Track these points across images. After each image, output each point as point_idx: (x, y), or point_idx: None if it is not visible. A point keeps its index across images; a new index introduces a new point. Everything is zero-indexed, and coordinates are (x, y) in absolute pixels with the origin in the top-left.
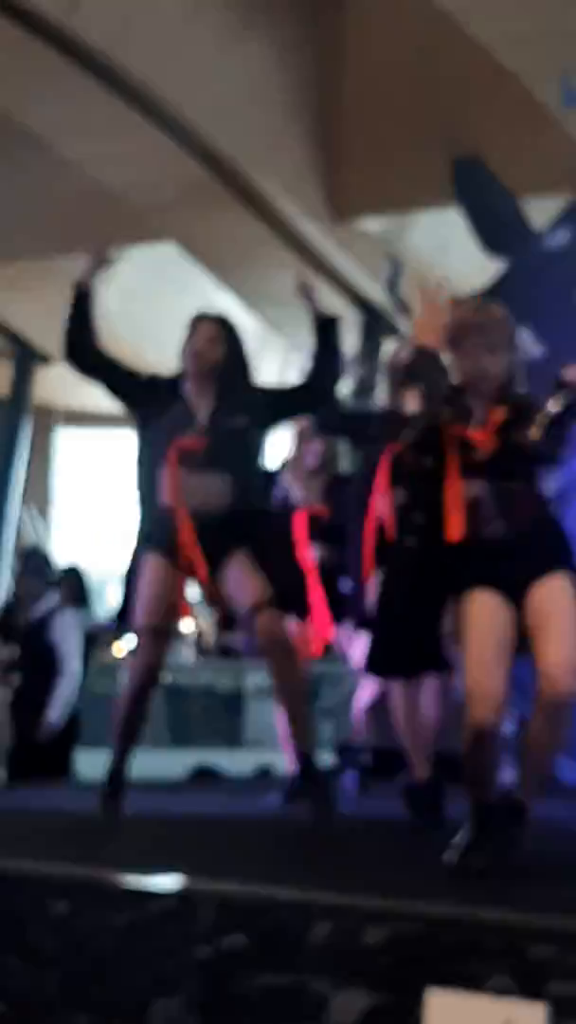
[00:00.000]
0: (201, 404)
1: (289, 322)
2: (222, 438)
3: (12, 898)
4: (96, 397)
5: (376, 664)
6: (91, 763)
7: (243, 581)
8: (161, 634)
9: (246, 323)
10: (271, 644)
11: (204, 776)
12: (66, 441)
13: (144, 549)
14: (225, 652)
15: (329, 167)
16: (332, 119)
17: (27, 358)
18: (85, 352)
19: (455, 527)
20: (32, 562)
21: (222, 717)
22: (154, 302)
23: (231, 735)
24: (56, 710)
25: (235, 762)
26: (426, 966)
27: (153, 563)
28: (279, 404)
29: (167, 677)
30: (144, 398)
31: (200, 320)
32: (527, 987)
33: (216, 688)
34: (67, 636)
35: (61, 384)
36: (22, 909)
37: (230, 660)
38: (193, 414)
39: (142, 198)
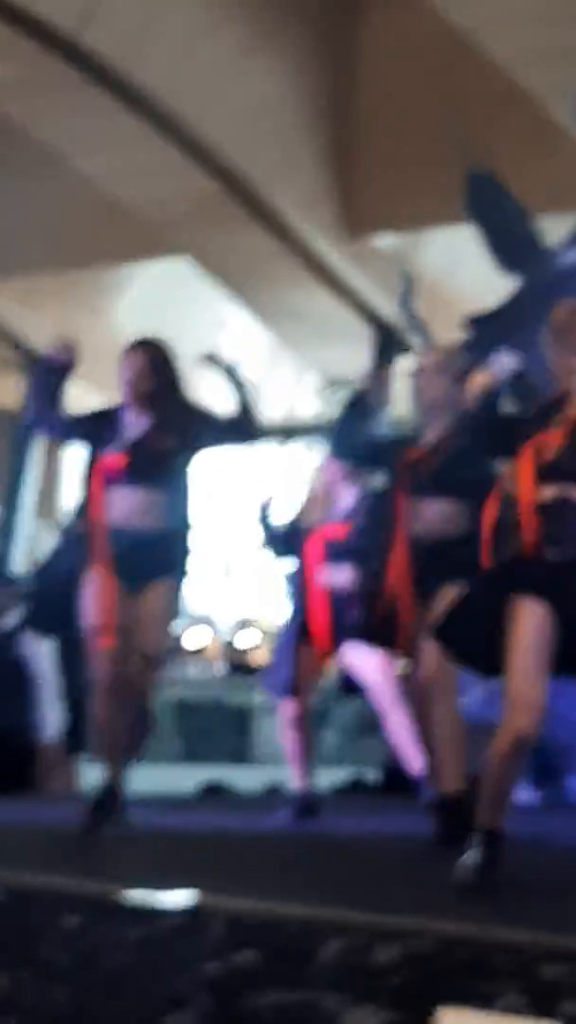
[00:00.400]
0: (136, 427)
1: (301, 337)
2: (147, 457)
3: (24, 913)
4: None
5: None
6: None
7: None
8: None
9: (259, 338)
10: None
11: (213, 792)
12: (77, 454)
13: (87, 562)
14: (235, 668)
15: (343, 183)
16: (346, 135)
17: None
18: (54, 424)
19: (528, 533)
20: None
21: (231, 733)
22: (168, 316)
23: (240, 751)
24: (48, 722)
25: (244, 778)
26: (437, 985)
27: (95, 575)
28: (209, 431)
29: (177, 692)
30: (94, 434)
31: (131, 349)
32: (539, 1007)
33: (225, 704)
34: (37, 648)
35: (74, 397)
36: (34, 924)
37: (239, 676)
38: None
39: (156, 213)
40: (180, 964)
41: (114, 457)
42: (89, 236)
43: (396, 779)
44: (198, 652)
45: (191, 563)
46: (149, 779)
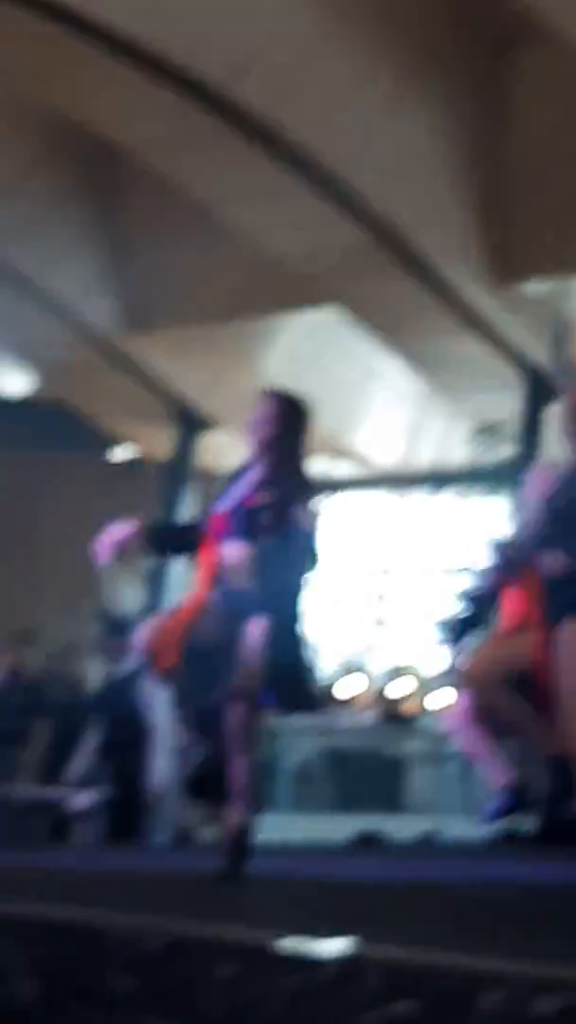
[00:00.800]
0: (248, 480)
1: (452, 384)
2: (245, 512)
3: (180, 961)
4: None
5: None
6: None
7: None
8: None
9: (410, 385)
10: None
11: (368, 841)
12: None
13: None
14: (388, 717)
15: (493, 230)
16: (495, 181)
17: (190, 423)
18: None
19: None
20: (111, 620)
21: (384, 782)
22: (318, 366)
23: (393, 800)
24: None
25: (398, 827)
26: None
27: None
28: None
29: (329, 740)
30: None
31: (261, 396)
32: None
33: (379, 753)
34: (153, 696)
35: (224, 448)
36: (190, 973)
37: (393, 724)
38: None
39: (306, 263)
40: (337, 1014)
41: (221, 514)
42: (239, 288)
43: (552, 829)
44: (351, 701)
45: (299, 612)
46: (302, 828)
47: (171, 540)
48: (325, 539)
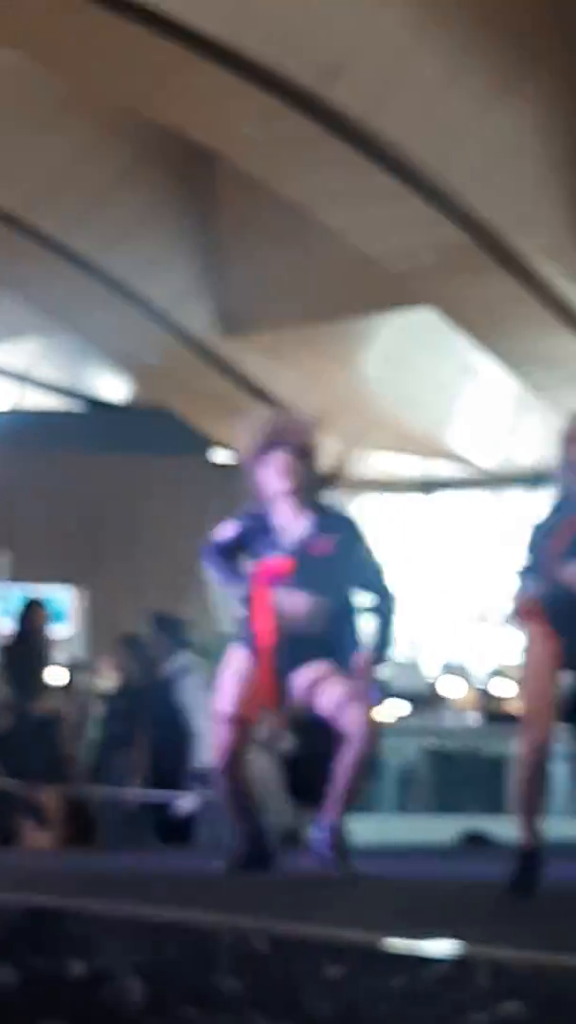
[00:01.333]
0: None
1: (550, 383)
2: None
3: (286, 962)
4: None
5: None
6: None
7: None
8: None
9: (507, 385)
10: None
11: (474, 841)
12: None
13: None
14: (491, 717)
15: None
16: None
17: None
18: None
19: None
20: (162, 621)
21: (487, 783)
22: (414, 365)
23: (495, 801)
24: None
25: (501, 828)
26: None
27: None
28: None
29: (432, 741)
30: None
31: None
32: None
33: (481, 753)
34: (197, 697)
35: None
36: (296, 973)
37: (495, 725)
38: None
39: (401, 264)
40: (444, 1015)
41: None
42: (335, 289)
43: None
44: (453, 701)
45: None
46: (405, 830)
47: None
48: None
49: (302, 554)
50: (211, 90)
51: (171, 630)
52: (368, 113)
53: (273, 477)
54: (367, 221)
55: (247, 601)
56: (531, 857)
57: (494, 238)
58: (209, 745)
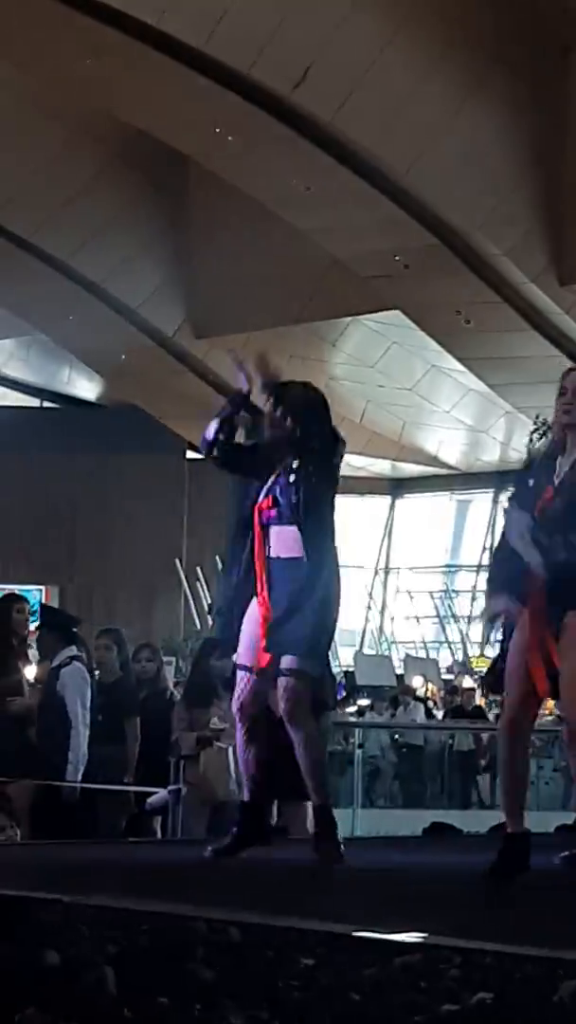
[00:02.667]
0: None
1: (515, 385)
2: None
3: (260, 951)
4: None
5: None
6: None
7: None
8: None
9: (473, 386)
10: None
11: (439, 831)
12: None
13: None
14: (458, 711)
15: (555, 230)
16: (559, 182)
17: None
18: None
19: None
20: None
21: (455, 778)
22: (382, 367)
23: (464, 795)
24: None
25: (468, 822)
26: None
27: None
28: None
29: (400, 736)
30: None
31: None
32: None
33: (448, 747)
34: (73, 690)
35: None
36: (269, 962)
37: (462, 719)
38: None
39: (369, 266)
40: (416, 1004)
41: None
42: (304, 291)
43: None
44: (420, 695)
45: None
46: (373, 823)
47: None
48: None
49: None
50: (182, 94)
51: (57, 623)
52: (336, 117)
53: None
54: (336, 224)
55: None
56: (514, 842)
57: (461, 241)
58: (83, 735)
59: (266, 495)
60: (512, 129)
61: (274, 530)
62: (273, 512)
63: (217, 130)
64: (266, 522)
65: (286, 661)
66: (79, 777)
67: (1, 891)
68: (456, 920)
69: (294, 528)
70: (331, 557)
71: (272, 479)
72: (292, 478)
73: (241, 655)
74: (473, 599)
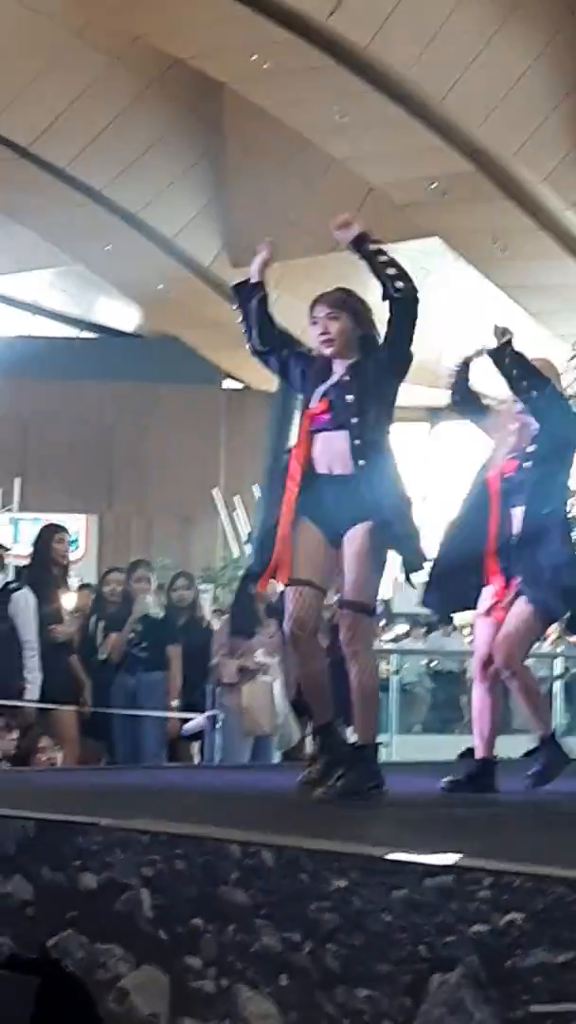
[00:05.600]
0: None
1: (552, 310)
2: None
3: (293, 874)
4: None
5: None
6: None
7: None
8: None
9: (511, 313)
10: None
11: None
12: None
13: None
14: None
15: None
16: None
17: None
18: (273, 337)
19: None
20: None
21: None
22: (420, 295)
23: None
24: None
25: (507, 747)
26: None
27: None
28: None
29: (436, 661)
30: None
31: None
32: None
33: None
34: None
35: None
36: (303, 885)
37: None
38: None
39: (405, 194)
40: (447, 925)
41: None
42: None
43: None
44: (457, 622)
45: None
46: (406, 748)
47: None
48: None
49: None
50: (217, 21)
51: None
52: (372, 43)
53: None
54: (371, 151)
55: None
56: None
57: (498, 167)
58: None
59: (321, 398)
60: (548, 53)
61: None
62: (326, 417)
63: (253, 57)
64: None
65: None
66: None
67: (39, 815)
68: (487, 843)
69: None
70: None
71: (325, 383)
72: (349, 377)
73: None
74: None
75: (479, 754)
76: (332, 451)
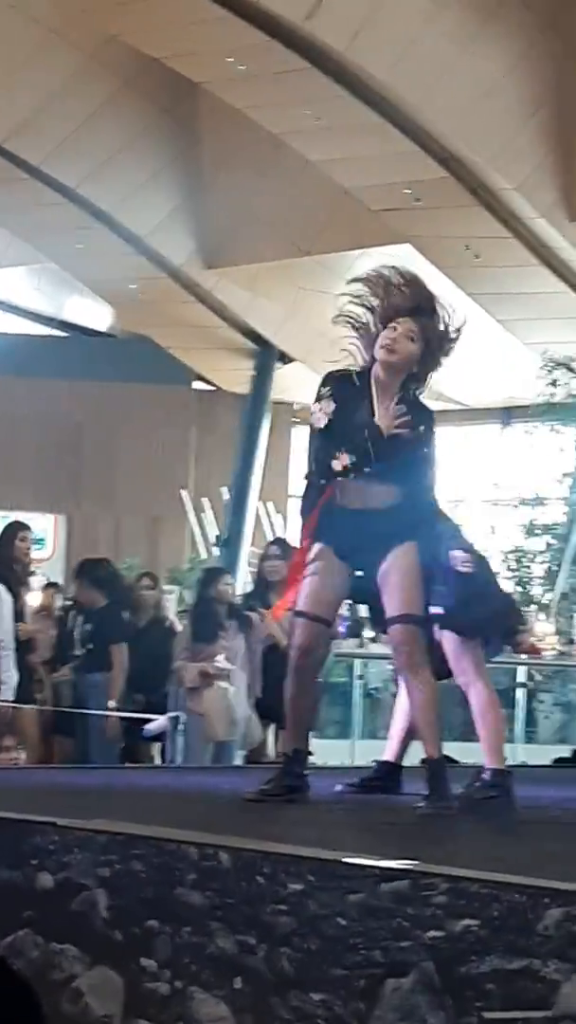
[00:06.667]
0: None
1: (523, 320)
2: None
3: (249, 877)
4: None
5: None
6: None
7: None
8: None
9: (482, 322)
10: None
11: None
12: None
13: None
14: None
15: (566, 165)
16: (570, 117)
17: (266, 356)
18: None
19: None
20: None
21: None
22: None
23: (464, 726)
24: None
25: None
26: None
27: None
28: None
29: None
30: None
31: None
32: None
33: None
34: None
35: (299, 381)
36: (259, 888)
37: None
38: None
39: (380, 199)
40: (401, 930)
41: None
42: (315, 223)
43: None
44: None
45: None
46: (370, 753)
47: None
48: None
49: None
50: (193, 22)
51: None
52: (349, 48)
53: None
54: (348, 156)
55: None
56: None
57: (471, 175)
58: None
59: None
60: (524, 62)
61: None
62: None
63: (229, 59)
64: None
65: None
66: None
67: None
68: (445, 849)
69: None
70: None
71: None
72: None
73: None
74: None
75: (386, 756)
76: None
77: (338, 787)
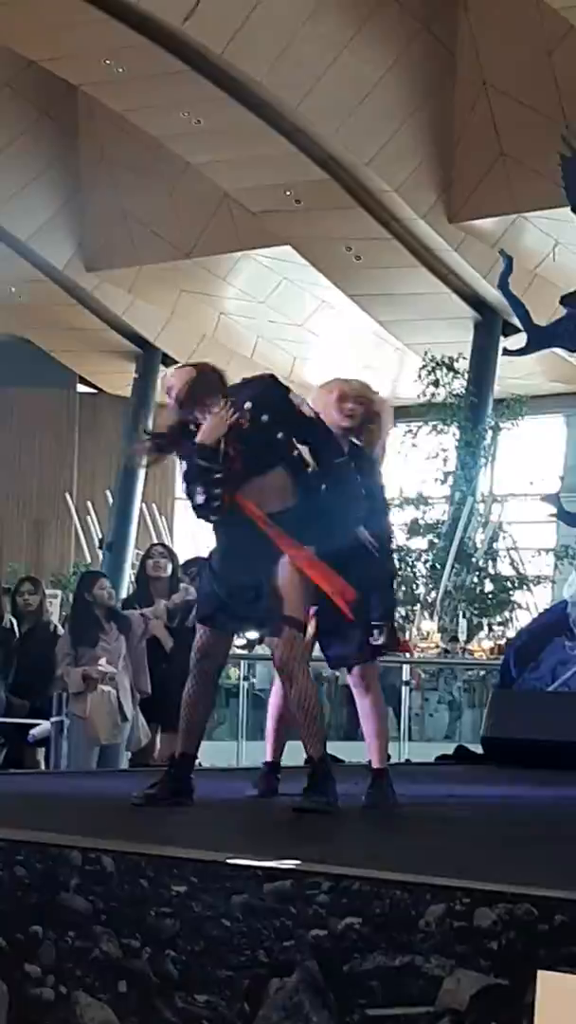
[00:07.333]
0: None
1: (404, 320)
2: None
3: (132, 880)
4: None
5: None
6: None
7: None
8: None
9: (363, 322)
10: None
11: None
12: None
13: None
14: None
15: (445, 167)
16: (448, 119)
17: (149, 359)
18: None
19: None
20: None
21: (341, 711)
22: (271, 303)
23: (350, 728)
24: None
25: (353, 753)
26: (538, 948)
27: None
28: None
29: None
30: None
31: None
32: None
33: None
34: None
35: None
36: (142, 891)
37: None
38: None
39: (260, 201)
40: (285, 929)
41: None
42: (196, 225)
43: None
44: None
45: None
46: (261, 753)
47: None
48: None
49: None
50: (72, 24)
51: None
52: (227, 50)
53: None
54: (226, 158)
55: None
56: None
57: (351, 176)
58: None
59: None
60: (401, 65)
61: None
62: None
63: (107, 62)
64: None
65: None
66: None
67: None
68: (327, 848)
69: None
70: None
71: None
72: None
73: None
74: None
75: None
76: None
77: (250, 792)
